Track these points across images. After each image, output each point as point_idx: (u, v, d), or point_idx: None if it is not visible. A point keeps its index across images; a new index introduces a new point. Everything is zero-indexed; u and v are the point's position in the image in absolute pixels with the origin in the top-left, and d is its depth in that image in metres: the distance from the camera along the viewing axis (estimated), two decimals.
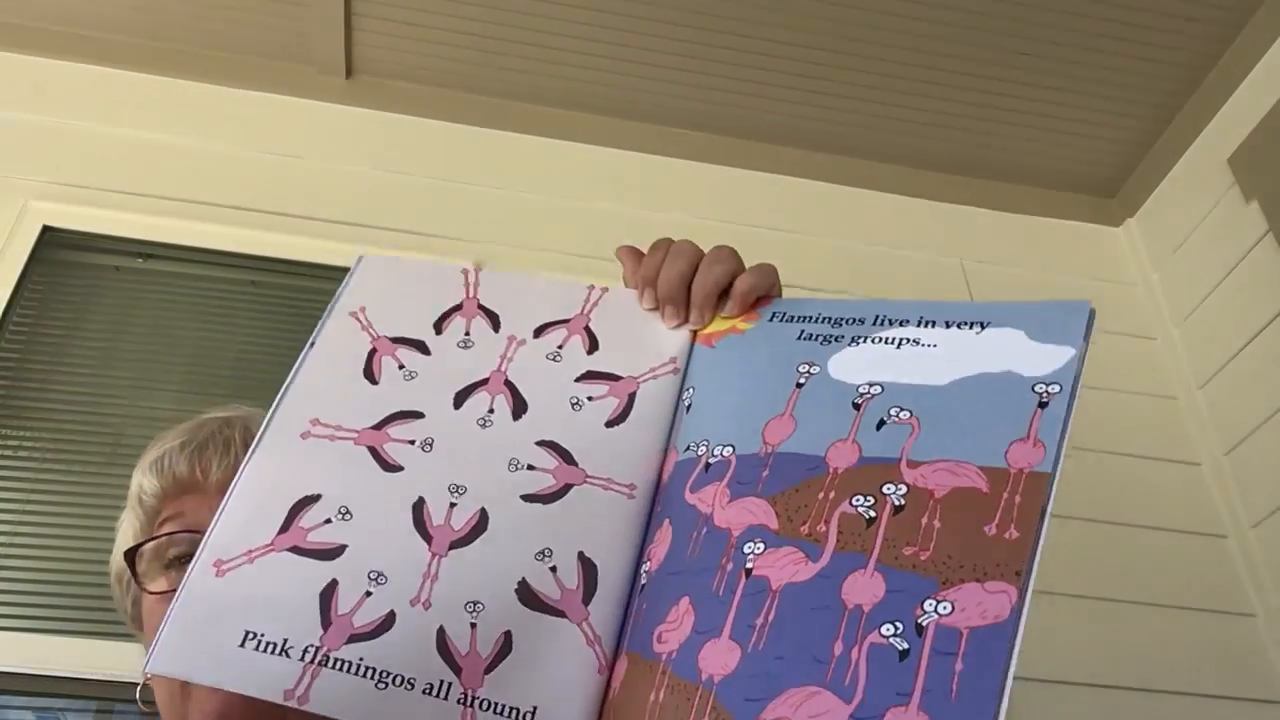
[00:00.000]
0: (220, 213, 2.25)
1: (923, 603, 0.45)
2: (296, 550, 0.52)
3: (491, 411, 0.59)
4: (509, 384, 0.60)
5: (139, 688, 0.73)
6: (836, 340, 0.59)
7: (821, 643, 0.45)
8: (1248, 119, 2.35)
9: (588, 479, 0.56)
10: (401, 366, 0.61)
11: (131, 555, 0.73)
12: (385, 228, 2.32)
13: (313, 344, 0.62)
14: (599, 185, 2.54)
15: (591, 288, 0.66)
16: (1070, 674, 2.01)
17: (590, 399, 0.60)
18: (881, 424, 0.53)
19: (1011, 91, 2.53)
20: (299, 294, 2.24)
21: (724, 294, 0.64)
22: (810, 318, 0.62)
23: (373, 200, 2.37)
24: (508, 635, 0.51)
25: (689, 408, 0.60)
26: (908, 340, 0.57)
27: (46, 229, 2.15)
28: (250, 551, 0.53)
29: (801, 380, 0.58)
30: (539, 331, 0.63)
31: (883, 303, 0.61)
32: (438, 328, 0.63)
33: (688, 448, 0.57)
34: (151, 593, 0.72)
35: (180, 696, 0.67)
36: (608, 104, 2.59)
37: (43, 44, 2.42)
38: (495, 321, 0.63)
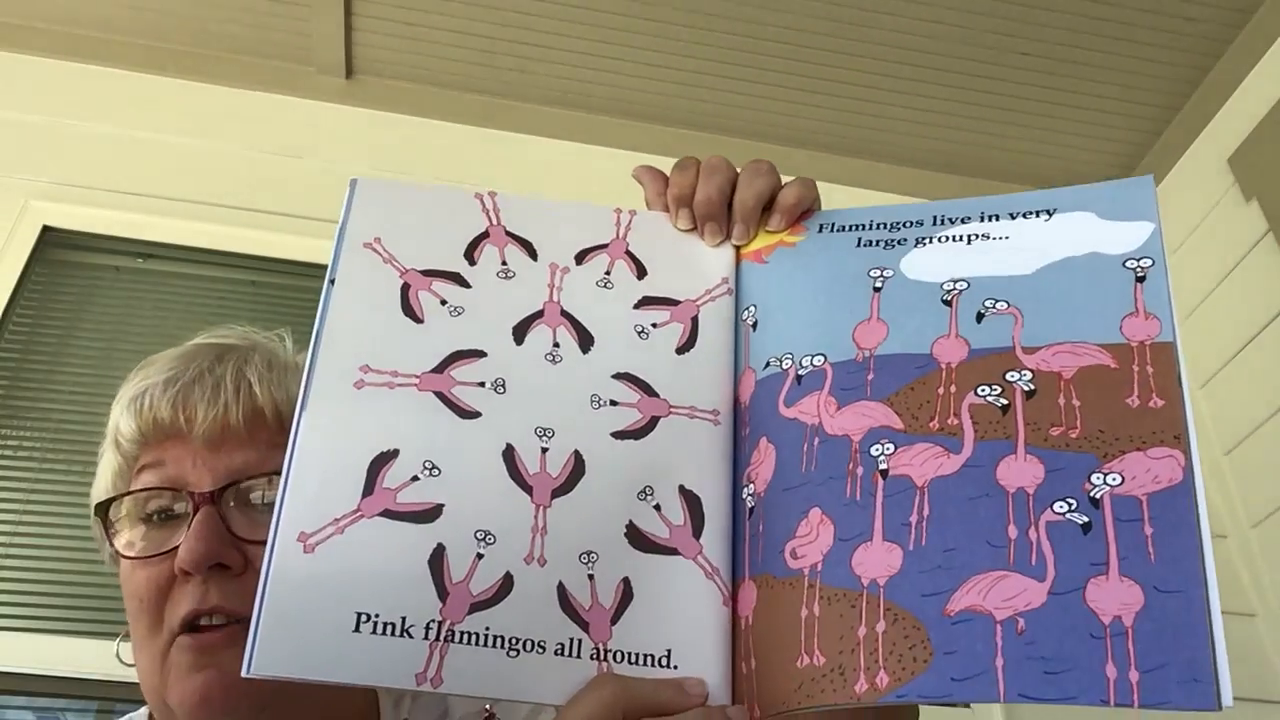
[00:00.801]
0: (220, 213, 2.25)
1: (1089, 477, 0.45)
2: (389, 514, 0.48)
3: (557, 345, 0.55)
4: (566, 315, 0.57)
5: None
6: (900, 244, 0.58)
7: (993, 528, 0.45)
8: (1248, 119, 2.35)
9: (672, 410, 0.54)
10: (444, 302, 0.56)
11: (105, 508, 0.66)
12: None
13: (332, 281, 0.57)
14: (599, 185, 2.54)
15: (618, 210, 0.64)
16: None
17: (655, 325, 0.58)
18: (981, 316, 0.52)
19: (1011, 91, 2.53)
20: (299, 294, 2.24)
21: (765, 209, 0.62)
22: (864, 225, 0.61)
23: None
24: (626, 582, 0.49)
25: (755, 325, 0.58)
26: (976, 236, 0.57)
27: (46, 229, 2.15)
28: (338, 520, 0.47)
29: (878, 284, 0.56)
30: (580, 258, 0.60)
31: (937, 204, 0.60)
32: (470, 257, 0.59)
33: (767, 364, 0.56)
34: (125, 556, 0.64)
35: (160, 674, 0.61)
36: (608, 104, 2.59)
37: (43, 44, 2.42)
38: (530, 249, 0.59)
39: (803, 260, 0.60)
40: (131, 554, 0.64)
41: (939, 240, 0.57)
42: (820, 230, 0.62)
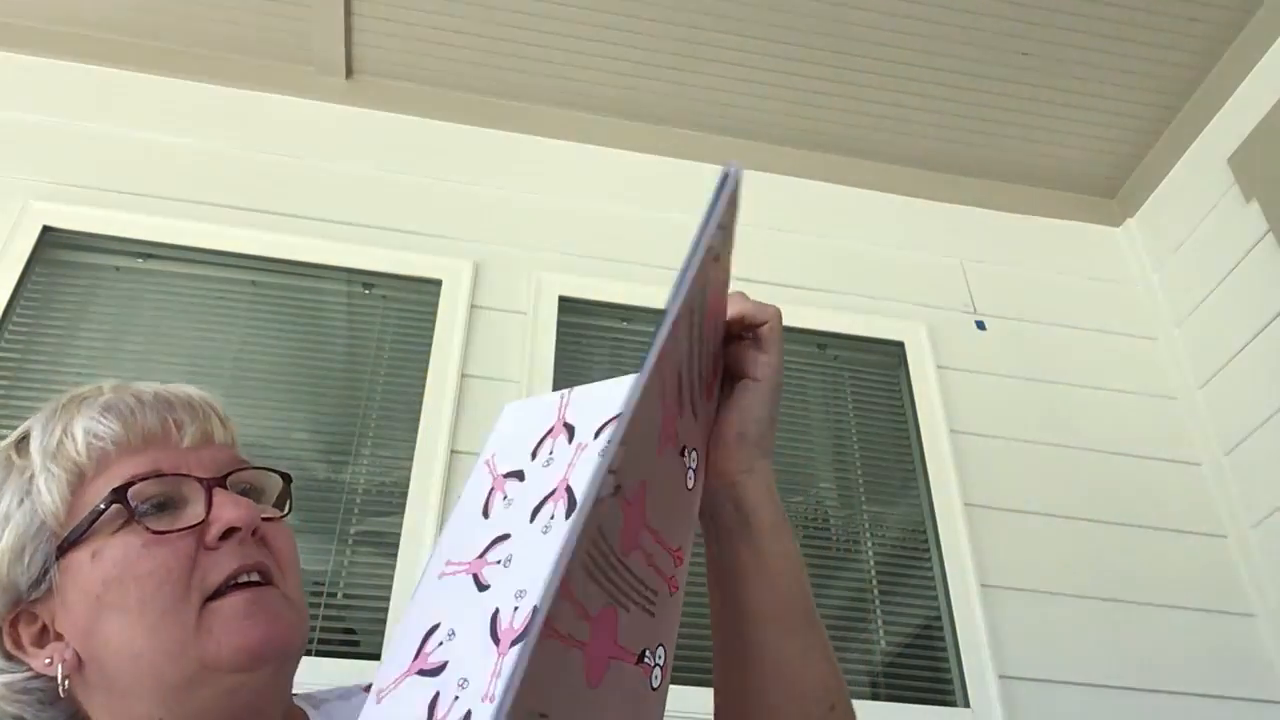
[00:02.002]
0: (220, 213, 2.25)
1: None
2: (421, 672, 0.59)
3: (553, 518, 0.61)
4: (569, 489, 0.63)
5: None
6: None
7: None
8: (1248, 119, 2.35)
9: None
10: (506, 497, 0.66)
11: (122, 493, 0.67)
12: (385, 228, 2.32)
13: (459, 497, 0.69)
14: (599, 185, 2.54)
15: (565, 392, 0.69)
16: (1070, 674, 2.01)
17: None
18: None
19: (1012, 92, 2.53)
20: (299, 294, 2.24)
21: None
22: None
23: (373, 200, 2.37)
24: None
25: None
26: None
27: (46, 229, 2.15)
28: (396, 679, 0.60)
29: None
30: (599, 431, 0.65)
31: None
32: (534, 454, 0.67)
33: None
34: (155, 531, 0.66)
35: (195, 638, 0.64)
36: (608, 104, 2.59)
37: (43, 44, 2.42)
38: (571, 433, 0.66)
39: None
40: (161, 527, 0.67)
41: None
42: None
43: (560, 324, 2.26)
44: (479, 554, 0.63)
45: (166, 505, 0.68)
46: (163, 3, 2.40)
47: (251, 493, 0.73)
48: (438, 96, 2.56)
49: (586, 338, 2.30)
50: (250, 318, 2.20)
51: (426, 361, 2.14)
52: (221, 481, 0.70)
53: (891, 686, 2.00)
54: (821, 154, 2.68)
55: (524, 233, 2.40)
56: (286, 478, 0.76)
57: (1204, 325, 2.43)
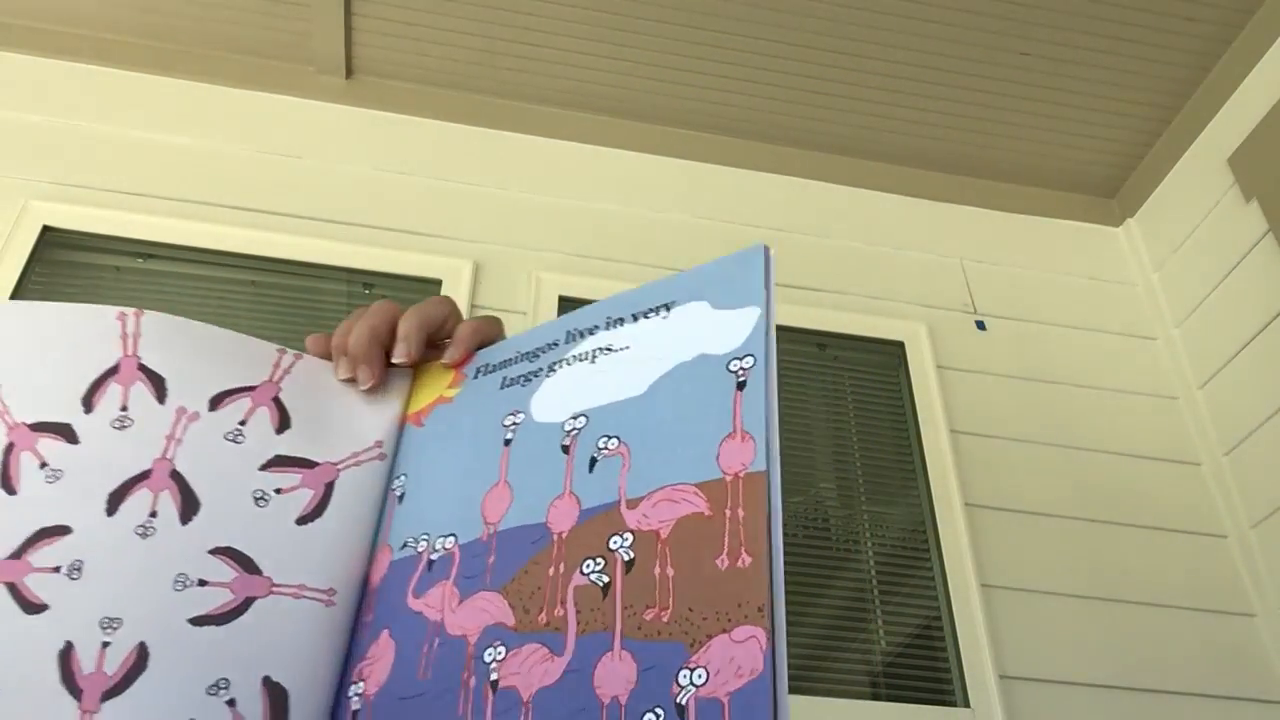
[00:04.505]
0: (220, 213, 2.25)
1: (677, 675, 0.38)
2: None
3: (154, 515, 0.48)
4: (176, 475, 0.49)
5: None
6: (535, 376, 0.52)
7: None
8: (1248, 119, 2.35)
9: (274, 589, 0.47)
10: (44, 464, 0.48)
11: None
12: (385, 228, 2.32)
13: None
14: (599, 185, 2.54)
15: (282, 351, 0.55)
16: (1070, 674, 2.01)
17: (279, 491, 0.50)
18: (594, 463, 0.47)
19: (1011, 91, 2.53)
20: (299, 294, 2.24)
21: (440, 347, 0.58)
22: (510, 360, 0.55)
23: (373, 200, 2.37)
24: None
25: (401, 498, 0.52)
26: (602, 350, 0.51)
27: (46, 229, 2.15)
28: None
29: (509, 436, 0.50)
30: (216, 401, 0.52)
31: (571, 316, 0.54)
32: (87, 403, 0.50)
33: (405, 544, 0.49)
34: None
35: None
36: (608, 104, 2.59)
37: (43, 44, 2.42)
38: (161, 388, 0.51)
39: (453, 417, 0.54)
40: None
41: (568, 362, 0.52)
42: (476, 375, 0.55)
43: None
44: (14, 552, 0.45)
45: None
46: (163, 3, 2.40)
47: None
48: (438, 96, 2.56)
49: None
50: (250, 318, 2.20)
51: None
52: None
53: (891, 686, 2.00)
54: (821, 154, 2.68)
55: (524, 233, 2.40)
56: None
57: (1204, 325, 2.43)
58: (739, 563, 0.40)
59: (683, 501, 0.43)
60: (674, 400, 0.46)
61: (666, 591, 0.41)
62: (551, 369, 0.53)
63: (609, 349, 0.51)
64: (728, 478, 0.42)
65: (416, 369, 0.57)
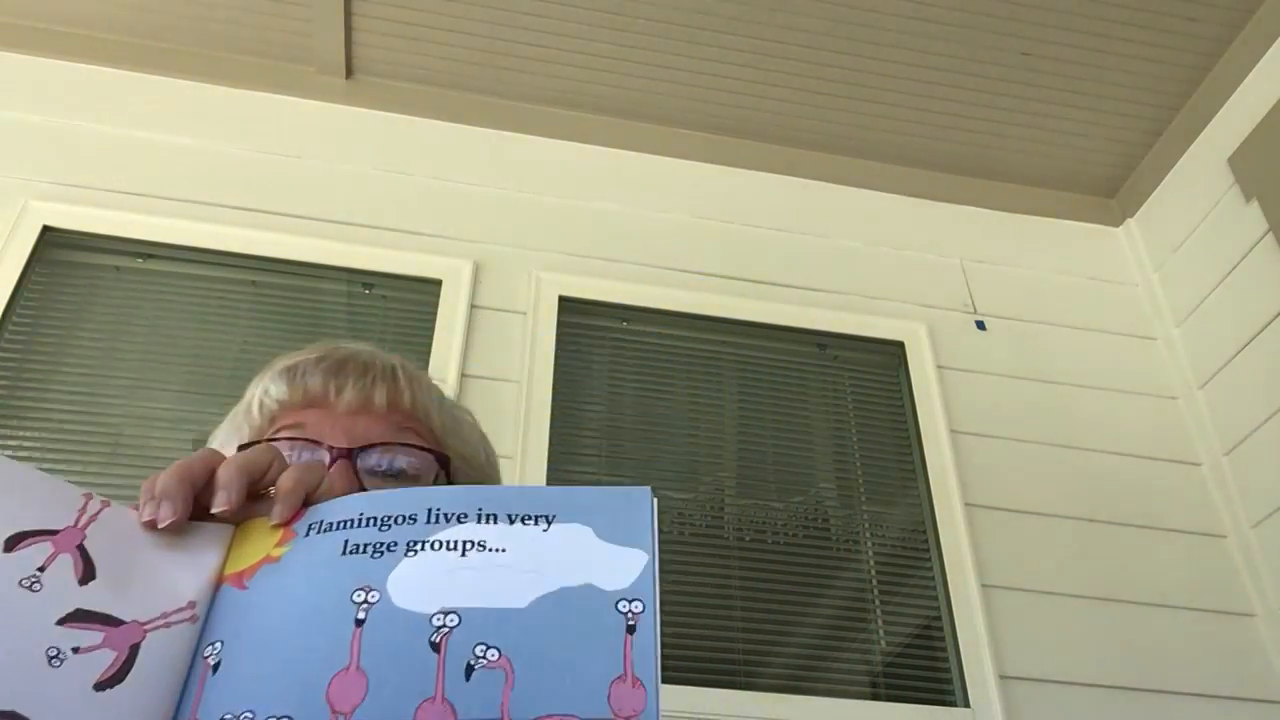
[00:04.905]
0: (220, 213, 2.25)
1: None
2: None
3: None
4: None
5: None
6: (390, 550, 0.48)
7: None
8: (1248, 119, 2.35)
9: None
10: None
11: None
12: (385, 228, 2.32)
13: None
14: (599, 185, 2.54)
15: (89, 495, 0.51)
16: (1070, 674, 2.01)
17: (76, 650, 0.45)
18: (470, 670, 0.44)
19: (1012, 92, 2.53)
20: (299, 294, 2.24)
21: (263, 498, 0.53)
22: (352, 521, 0.50)
23: (373, 200, 2.37)
24: None
25: (216, 667, 0.46)
26: (473, 544, 0.48)
27: (46, 229, 2.15)
28: None
29: (361, 615, 0.46)
30: (12, 543, 0.47)
31: (434, 493, 0.51)
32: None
33: None
34: None
35: None
36: (608, 104, 2.59)
37: (43, 44, 2.42)
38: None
39: (284, 579, 0.49)
40: None
41: (433, 547, 0.48)
42: (309, 533, 0.50)
43: (560, 324, 2.26)
44: None
45: None
46: (163, 3, 2.40)
47: (401, 475, 0.69)
48: (438, 96, 2.56)
49: (586, 338, 2.30)
50: (250, 318, 2.20)
51: (426, 362, 2.14)
52: (349, 454, 0.67)
53: (891, 686, 2.00)
54: (821, 154, 2.68)
55: (524, 233, 2.40)
56: (443, 459, 0.72)
57: (1204, 325, 2.43)
58: None
59: None
60: (560, 625, 0.45)
61: None
62: (411, 548, 0.48)
63: (482, 545, 0.48)
64: None
65: (239, 527, 0.52)
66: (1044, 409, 2.38)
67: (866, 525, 2.19)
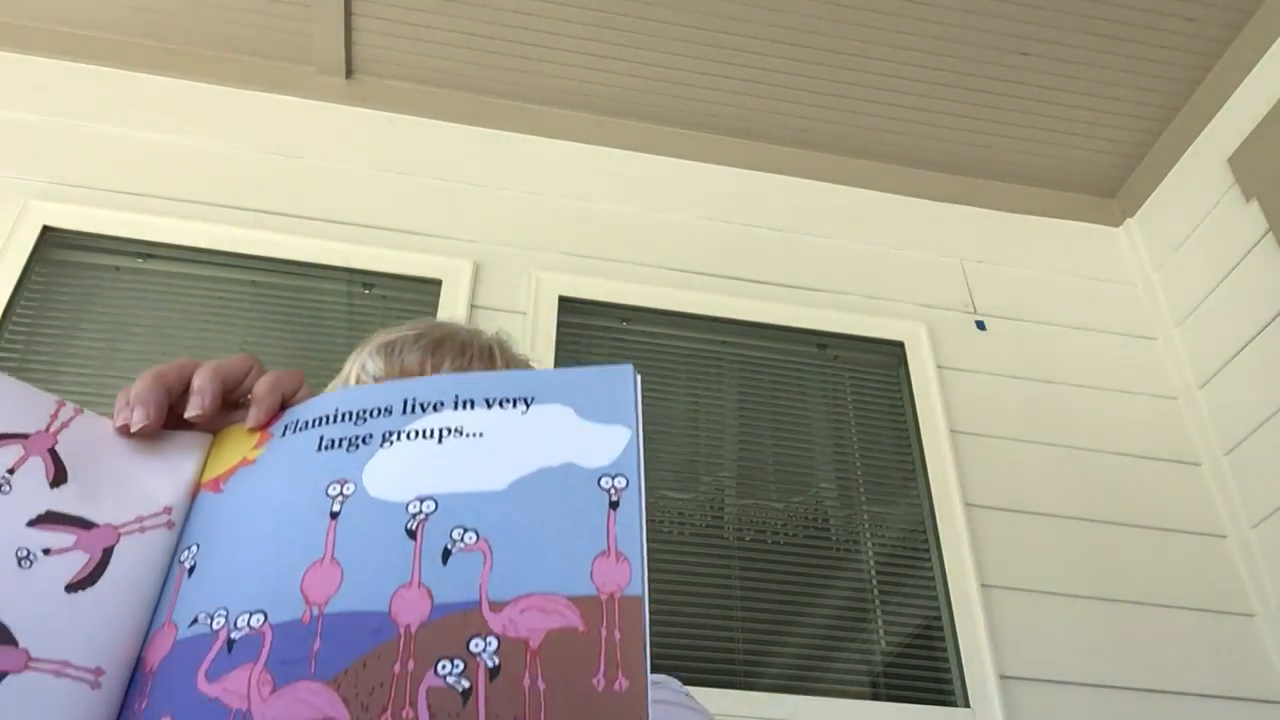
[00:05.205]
0: (220, 213, 2.25)
1: None
2: None
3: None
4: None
5: None
6: (365, 442, 0.48)
7: None
8: (1248, 119, 2.35)
9: (30, 664, 0.42)
10: None
11: None
12: (385, 228, 2.32)
13: None
14: (599, 185, 2.54)
15: (61, 402, 0.50)
16: (1070, 674, 2.01)
17: (48, 552, 0.45)
18: (447, 554, 0.43)
19: (1012, 92, 2.53)
20: (299, 294, 2.24)
21: (241, 408, 0.53)
22: (327, 418, 0.49)
23: (373, 200, 2.37)
24: None
25: (192, 570, 0.46)
26: (450, 430, 0.47)
27: (46, 229, 2.15)
28: None
29: (336, 507, 0.46)
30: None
31: (410, 384, 0.50)
32: None
33: (194, 620, 0.44)
34: None
35: None
36: (608, 104, 2.59)
37: (43, 44, 2.42)
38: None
39: (259, 480, 0.48)
40: None
41: (408, 436, 0.47)
42: (284, 434, 0.50)
43: (560, 324, 2.26)
44: None
45: None
46: (163, 3, 2.40)
47: None
48: (438, 96, 2.56)
49: (586, 338, 2.30)
50: (250, 318, 2.20)
51: None
52: None
53: (891, 686, 2.00)
54: (822, 154, 2.68)
55: (524, 233, 2.40)
56: None
57: (1204, 325, 2.43)
58: (615, 685, 0.39)
59: (555, 613, 0.41)
60: (540, 505, 0.44)
61: (537, 704, 0.39)
62: (386, 439, 0.48)
63: (459, 431, 0.47)
64: (603, 596, 0.41)
65: (217, 435, 0.52)
66: (1044, 409, 2.38)
67: (866, 525, 2.19)
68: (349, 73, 2.53)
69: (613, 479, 0.45)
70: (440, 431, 0.48)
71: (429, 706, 0.39)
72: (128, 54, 2.46)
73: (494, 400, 0.48)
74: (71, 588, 0.44)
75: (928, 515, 2.17)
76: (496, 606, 0.41)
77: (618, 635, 0.40)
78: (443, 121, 2.54)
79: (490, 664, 0.40)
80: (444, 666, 0.40)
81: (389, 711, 0.39)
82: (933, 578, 2.10)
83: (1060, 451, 2.32)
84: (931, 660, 2.02)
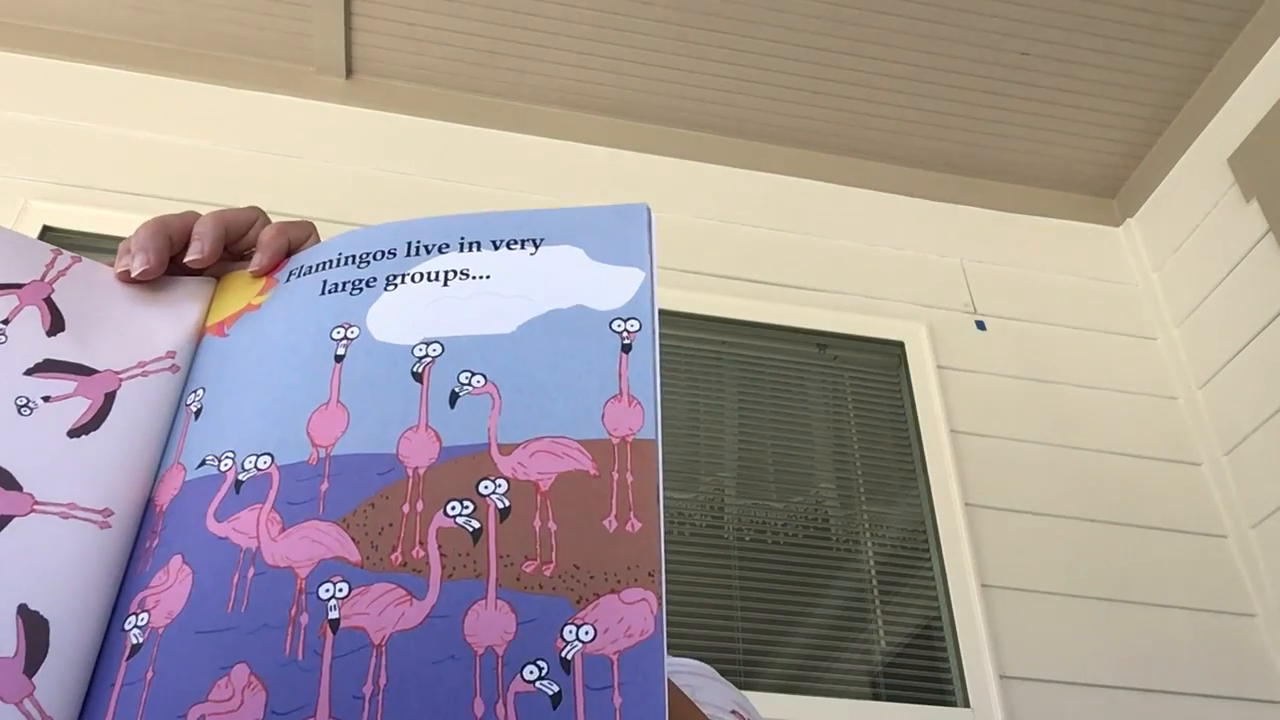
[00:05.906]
0: None
1: (561, 631, 0.37)
2: None
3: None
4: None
5: None
6: (369, 285, 0.48)
7: (458, 704, 0.36)
8: (1248, 119, 2.35)
9: (36, 507, 0.42)
10: None
11: None
12: None
13: None
14: (600, 185, 2.54)
15: (58, 251, 0.50)
16: (1070, 674, 2.01)
17: (48, 399, 0.45)
18: (455, 397, 0.43)
19: (1012, 92, 2.53)
20: None
21: (246, 259, 0.52)
22: (331, 262, 0.49)
23: (373, 200, 2.37)
24: None
25: (199, 413, 0.46)
26: (456, 273, 0.47)
27: (46, 229, 2.15)
28: None
29: (341, 350, 0.45)
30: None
31: (413, 225, 0.50)
32: None
33: (202, 463, 0.44)
34: None
35: None
36: (608, 104, 2.59)
37: (43, 44, 2.42)
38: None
39: (263, 325, 0.48)
40: None
41: (413, 279, 0.47)
42: (289, 279, 0.50)
43: None
44: None
45: None
46: (163, 3, 2.40)
47: None
48: (438, 96, 2.56)
49: None
50: None
51: None
52: None
53: (891, 686, 2.00)
54: (822, 154, 2.68)
55: None
56: None
57: (1204, 325, 2.43)
58: (628, 526, 0.39)
59: (565, 456, 0.41)
60: (550, 348, 0.44)
61: (549, 545, 0.39)
62: (391, 282, 0.47)
63: (465, 274, 0.47)
64: (614, 440, 0.41)
65: (221, 280, 0.52)
66: (1044, 409, 2.38)
67: (866, 525, 2.19)
68: (349, 73, 2.53)
69: (625, 322, 0.44)
70: (445, 274, 0.47)
71: (439, 546, 0.40)
72: (128, 54, 2.46)
73: (501, 242, 0.48)
74: (74, 433, 0.44)
75: (927, 515, 2.17)
76: (506, 449, 0.41)
77: (630, 478, 0.40)
78: (443, 121, 2.55)
79: (500, 505, 0.40)
80: (453, 508, 0.40)
81: (399, 550, 0.40)
82: (932, 578, 2.10)
83: (1060, 451, 2.32)
84: (931, 660, 2.02)
